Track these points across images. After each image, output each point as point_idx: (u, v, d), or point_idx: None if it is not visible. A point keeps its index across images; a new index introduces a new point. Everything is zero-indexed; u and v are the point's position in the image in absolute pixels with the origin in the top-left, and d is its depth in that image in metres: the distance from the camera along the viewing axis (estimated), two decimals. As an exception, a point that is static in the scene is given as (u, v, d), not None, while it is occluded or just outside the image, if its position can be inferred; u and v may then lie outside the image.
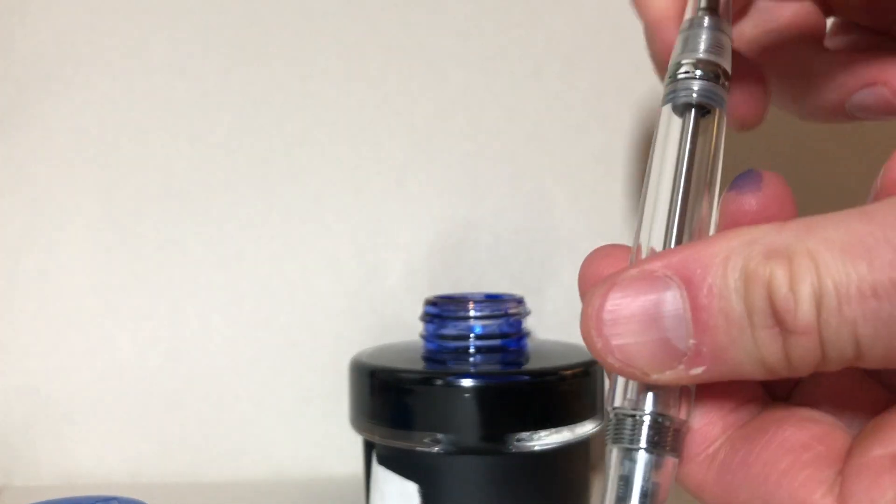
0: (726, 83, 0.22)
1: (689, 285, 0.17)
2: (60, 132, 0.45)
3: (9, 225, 0.45)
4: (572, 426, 0.37)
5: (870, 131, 0.44)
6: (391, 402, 0.37)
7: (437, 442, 0.35)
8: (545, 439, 0.36)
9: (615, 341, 0.18)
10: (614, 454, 0.20)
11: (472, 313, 0.39)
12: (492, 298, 0.40)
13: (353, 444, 0.41)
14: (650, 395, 0.20)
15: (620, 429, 0.20)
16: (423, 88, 0.46)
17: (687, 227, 0.20)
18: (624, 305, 0.18)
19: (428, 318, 0.39)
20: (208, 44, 0.45)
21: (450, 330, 0.39)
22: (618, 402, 0.20)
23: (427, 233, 0.46)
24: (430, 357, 0.39)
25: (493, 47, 0.46)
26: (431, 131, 0.46)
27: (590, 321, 0.18)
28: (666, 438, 0.20)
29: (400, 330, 0.45)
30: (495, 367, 0.38)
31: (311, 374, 0.46)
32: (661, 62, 0.26)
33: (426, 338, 0.40)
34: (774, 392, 0.22)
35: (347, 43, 0.46)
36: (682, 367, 0.18)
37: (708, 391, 0.20)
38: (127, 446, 0.46)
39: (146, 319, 0.45)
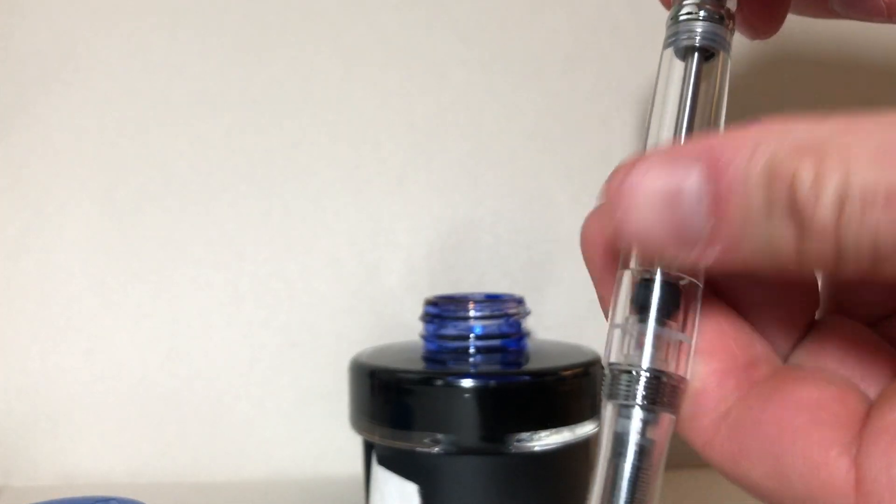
0: (732, 24, 0.21)
1: (714, 170, 0.17)
2: (60, 132, 0.45)
3: (9, 225, 0.45)
4: (572, 426, 0.37)
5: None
6: (391, 403, 0.37)
7: (437, 442, 0.35)
8: (545, 439, 0.36)
9: (634, 219, 0.18)
10: (609, 410, 0.20)
11: (472, 313, 0.39)
12: (492, 298, 0.40)
13: (353, 444, 0.41)
14: (648, 351, 0.19)
15: (616, 384, 0.20)
16: (423, 88, 0.46)
17: None
18: (647, 184, 0.18)
19: (428, 318, 0.39)
20: (208, 44, 0.45)
21: (450, 330, 0.39)
22: (614, 358, 0.20)
23: (427, 233, 0.46)
24: (430, 357, 0.39)
25: (493, 47, 0.46)
26: (431, 131, 0.46)
27: (611, 197, 0.18)
28: (663, 395, 0.19)
29: (400, 330, 0.45)
30: (495, 368, 0.38)
31: (311, 374, 0.46)
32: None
33: (426, 338, 0.39)
34: (783, 348, 0.21)
35: (347, 43, 0.46)
36: (696, 250, 0.18)
37: (717, 348, 0.20)
38: (126, 446, 0.45)
39: (146, 319, 0.45)
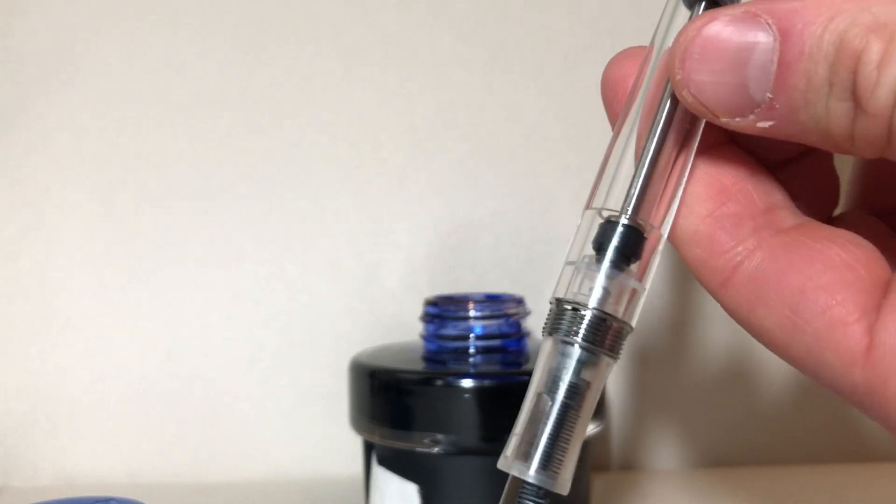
0: None
1: (785, 38, 0.17)
2: (60, 132, 0.45)
3: (8, 225, 0.45)
4: (572, 426, 0.36)
5: None
6: (391, 403, 0.37)
7: (437, 442, 0.35)
8: (545, 439, 0.36)
9: (696, 76, 0.18)
10: (549, 344, 0.19)
11: (472, 313, 0.39)
12: (492, 298, 0.40)
13: (353, 444, 0.41)
14: (598, 291, 0.19)
15: (559, 320, 0.19)
16: (423, 88, 0.46)
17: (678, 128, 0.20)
18: (716, 42, 0.17)
19: (428, 318, 0.39)
20: (207, 44, 0.45)
21: (450, 330, 0.39)
22: (561, 293, 0.20)
23: (427, 233, 0.46)
24: (430, 357, 0.39)
25: (493, 47, 0.46)
26: (431, 131, 0.46)
27: (678, 49, 0.18)
28: (605, 337, 0.19)
29: (400, 330, 0.45)
30: (495, 368, 0.38)
31: (311, 374, 0.46)
32: None
33: (426, 338, 0.39)
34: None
35: (347, 43, 0.46)
36: (752, 116, 0.18)
37: (738, 191, 0.20)
38: (126, 446, 0.45)
39: (146, 319, 0.45)
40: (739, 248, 0.19)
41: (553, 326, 0.20)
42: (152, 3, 0.45)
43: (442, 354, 0.39)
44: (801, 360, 0.18)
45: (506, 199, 0.46)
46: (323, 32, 0.46)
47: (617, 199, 0.20)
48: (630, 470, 0.47)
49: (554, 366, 0.19)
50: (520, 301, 0.40)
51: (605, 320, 0.19)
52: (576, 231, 0.20)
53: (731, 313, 0.20)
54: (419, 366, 0.38)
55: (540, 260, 0.46)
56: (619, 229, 0.20)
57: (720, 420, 0.47)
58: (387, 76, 0.46)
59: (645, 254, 0.20)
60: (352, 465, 0.44)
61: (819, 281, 0.18)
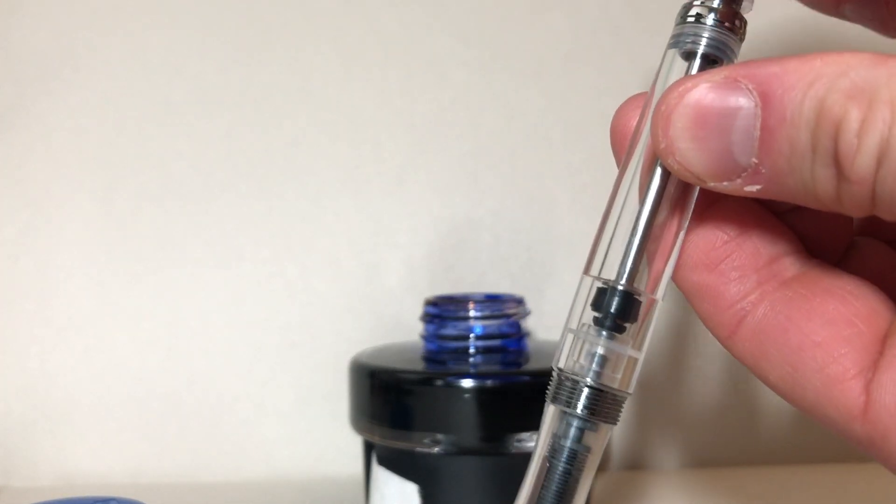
0: (742, 32, 0.20)
1: (766, 104, 0.17)
2: (59, 132, 0.45)
3: (8, 225, 0.45)
4: (572, 426, 0.36)
5: None
6: (391, 403, 0.37)
7: (437, 442, 0.35)
8: (545, 439, 0.36)
9: (679, 143, 0.18)
10: (551, 411, 0.20)
11: (472, 313, 0.39)
12: (492, 298, 0.40)
13: (353, 444, 0.41)
14: (594, 364, 0.20)
15: (560, 389, 0.20)
16: (423, 88, 0.46)
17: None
18: (698, 109, 0.17)
19: (428, 318, 0.39)
20: (207, 43, 0.45)
21: (450, 330, 0.39)
22: (563, 363, 0.20)
23: (427, 233, 0.46)
24: (430, 357, 0.39)
25: (493, 47, 0.46)
26: (431, 131, 0.46)
27: (660, 119, 0.18)
28: (604, 407, 0.20)
29: (400, 330, 0.45)
30: (495, 368, 0.38)
31: (311, 374, 0.46)
32: None
33: (426, 338, 0.39)
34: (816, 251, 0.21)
35: (347, 43, 0.46)
36: (739, 181, 0.18)
37: (742, 243, 0.20)
38: (126, 446, 0.45)
39: (146, 319, 0.45)
40: (744, 303, 0.20)
41: (555, 395, 0.20)
42: (152, 3, 0.45)
43: (442, 354, 0.39)
44: (806, 411, 0.19)
45: (506, 199, 0.46)
46: (323, 32, 0.46)
47: (613, 264, 0.20)
48: (630, 470, 0.47)
49: (556, 432, 0.20)
50: (520, 301, 0.40)
51: (603, 391, 0.20)
52: (575, 296, 0.21)
53: (741, 362, 0.20)
54: (419, 366, 0.38)
55: (540, 260, 0.46)
56: (616, 297, 0.20)
57: (720, 420, 0.47)
58: (387, 76, 0.46)
59: (640, 319, 0.20)
60: (352, 465, 0.44)
61: (816, 337, 0.18)
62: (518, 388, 0.36)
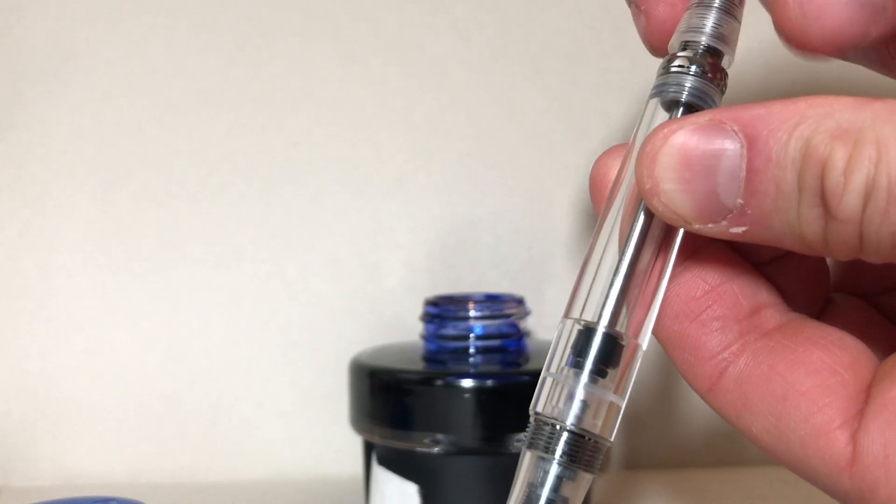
0: (724, 83, 0.21)
1: (752, 145, 0.17)
2: (59, 131, 0.45)
3: (8, 225, 0.45)
4: (572, 426, 0.36)
5: None
6: (391, 403, 0.37)
7: (437, 442, 0.35)
8: (545, 439, 0.36)
9: (664, 185, 0.18)
10: (528, 458, 0.19)
11: (472, 313, 0.39)
12: (492, 298, 0.40)
13: (353, 444, 0.41)
14: (575, 408, 0.19)
15: (538, 434, 0.19)
16: (423, 88, 0.46)
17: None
18: (683, 151, 0.17)
19: (428, 318, 0.39)
20: (208, 43, 0.45)
21: (450, 330, 0.39)
22: (541, 407, 0.20)
23: (427, 233, 0.46)
24: (430, 357, 0.39)
25: (493, 47, 0.46)
26: (431, 131, 0.46)
27: (645, 160, 0.18)
28: (583, 454, 0.19)
29: (400, 330, 0.45)
30: (495, 368, 0.38)
31: (311, 374, 0.46)
32: (653, 45, 0.23)
33: (426, 338, 0.39)
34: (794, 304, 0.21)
35: (347, 43, 0.46)
36: (724, 223, 0.18)
37: (724, 293, 0.20)
38: (126, 446, 0.45)
39: (146, 319, 0.45)
40: (725, 353, 0.19)
41: (532, 441, 0.20)
42: (152, 2, 0.45)
43: (442, 354, 0.39)
44: (791, 465, 0.19)
45: (506, 199, 0.46)
46: (323, 32, 0.46)
47: (595, 307, 0.20)
48: (630, 470, 0.47)
49: (532, 481, 0.19)
50: (520, 301, 0.40)
51: (583, 437, 0.19)
52: (555, 340, 0.20)
53: (721, 416, 0.20)
54: (419, 366, 0.38)
55: (540, 260, 0.46)
56: (597, 341, 0.19)
57: (720, 420, 0.47)
58: (387, 76, 0.46)
59: (623, 364, 0.20)
60: (352, 465, 0.44)
61: (801, 387, 0.18)
62: (518, 388, 0.36)
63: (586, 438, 0.19)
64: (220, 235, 0.45)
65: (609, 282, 0.20)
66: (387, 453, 0.37)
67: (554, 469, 0.19)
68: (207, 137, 0.45)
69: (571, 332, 0.20)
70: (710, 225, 0.18)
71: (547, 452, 0.19)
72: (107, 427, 0.45)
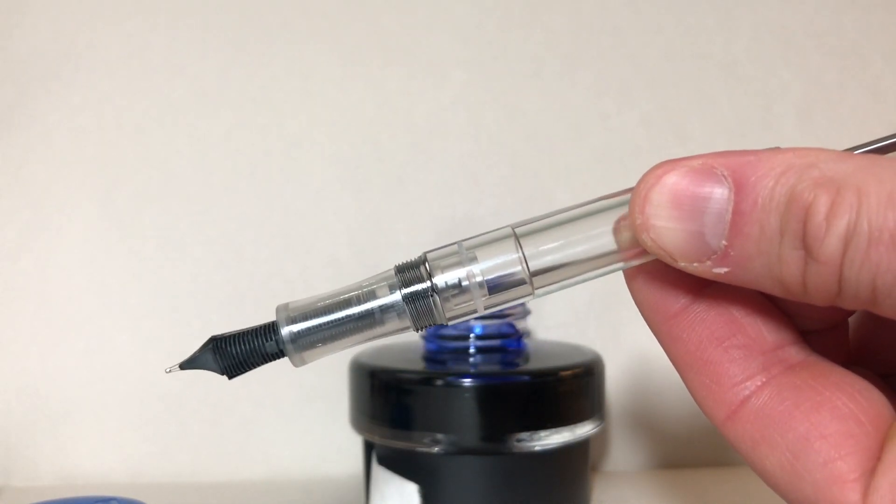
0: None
1: (740, 189, 0.18)
2: (60, 132, 0.45)
3: (8, 225, 0.45)
4: (572, 426, 0.37)
5: None
6: (391, 403, 0.37)
7: (437, 442, 0.35)
8: (545, 439, 0.36)
9: (654, 221, 0.19)
10: (394, 276, 0.22)
11: (472, 313, 0.38)
12: (492, 298, 0.40)
13: (353, 444, 0.41)
14: (447, 277, 0.21)
15: (414, 269, 0.22)
16: (423, 88, 0.46)
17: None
18: (674, 192, 0.18)
19: (428, 318, 0.39)
20: (208, 44, 0.45)
21: (450, 330, 0.39)
22: (434, 255, 0.22)
23: (427, 233, 0.46)
24: (430, 357, 0.39)
25: (493, 47, 0.46)
26: (431, 131, 0.46)
27: (639, 197, 0.19)
28: (419, 305, 0.21)
29: (400, 330, 0.45)
30: (495, 368, 0.38)
31: (311, 374, 0.46)
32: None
33: (426, 338, 0.40)
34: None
35: (347, 43, 0.46)
36: (708, 262, 0.18)
37: (749, 325, 0.20)
38: (126, 446, 0.45)
39: (146, 319, 0.45)
40: (748, 383, 0.20)
41: (401, 270, 0.22)
42: (152, 3, 0.45)
43: (442, 354, 0.39)
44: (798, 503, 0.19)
45: (506, 199, 0.46)
46: (323, 32, 0.46)
47: (539, 237, 0.21)
48: (630, 470, 0.47)
49: (376, 292, 0.22)
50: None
51: (430, 297, 0.21)
52: (492, 231, 0.22)
53: (735, 447, 0.20)
54: (419, 366, 0.38)
55: (540, 260, 0.46)
56: (504, 260, 0.21)
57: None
58: (387, 76, 0.46)
59: (505, 294, 0.21)
60: (352, 465, 0.44)
61: (824, 430, 0.18)
62: (518, 388, 0.36)
63: (430, 297, 0.21)
64: (220, 235, 0.45)
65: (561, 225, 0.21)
66: (387, 453, 0.37)
67: (396, 296, 0.22)
68: (207, 137, 0.45)
69: (503, 234, 0.21)
70: (694, 264, 0.19)
71: (401, 287, 0.22)
72: (107, 427, 0.45)
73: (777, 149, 0.18)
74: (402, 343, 0.42)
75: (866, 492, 0.17)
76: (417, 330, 0.22)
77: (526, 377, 0.36)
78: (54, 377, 0.45)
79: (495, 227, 0.22)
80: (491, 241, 0.21)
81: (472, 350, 0.38)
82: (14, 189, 0.45)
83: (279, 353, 0.22)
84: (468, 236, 0.22)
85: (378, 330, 0.22)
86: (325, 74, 0.46)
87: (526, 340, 0.40)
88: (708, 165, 0.18)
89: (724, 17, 0.46)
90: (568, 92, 0.46)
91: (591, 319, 0.46)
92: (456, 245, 0.22)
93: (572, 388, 0.37)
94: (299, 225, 0.46)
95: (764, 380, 0.20)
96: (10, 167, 0.45)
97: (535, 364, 0.38)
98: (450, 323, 0.22)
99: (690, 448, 0.47)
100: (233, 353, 0.23)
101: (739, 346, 0.20)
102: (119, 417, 0.45)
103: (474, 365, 0.38)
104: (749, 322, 0.20)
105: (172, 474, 0.45)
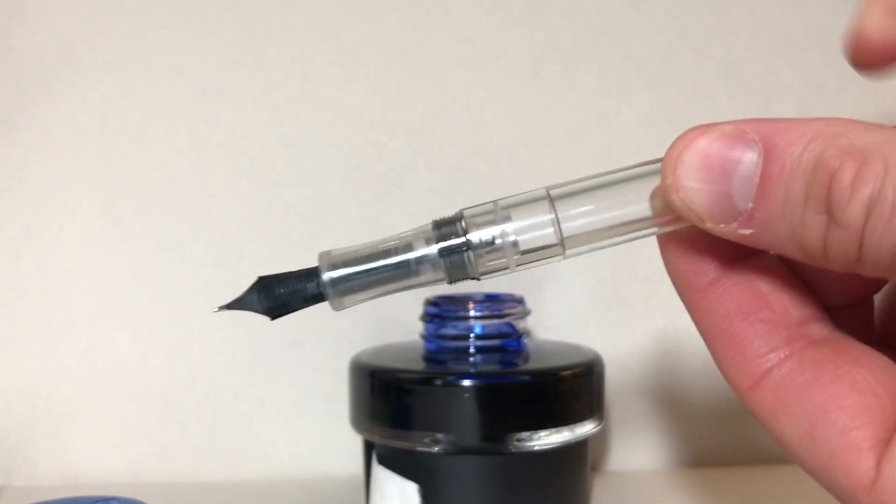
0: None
1: (769, 154, 0.18)
2: (60, 132, 0.45)
3: (9, 225, 0.45)
4: (572, 426, 0.37)
5: None
6: (391, 402, 0.37)
7: (437, 442, 0.35)
8: (545, 439, 0.36)
9: (685, 182, 0.19)
10: (430, 230, 0.22)
11: (472, 313, 0.39)
12: (492, 298, 0.40)
13: (353, 444, 0.41)
14: (482, 234, 0.22)
15: (451, 224, 0.22)
16: (423, 88, 0.46)
17: None
18: (706, 154, 0.19)
19: (428, 318, 0.39)
20: (208, 44, 0.45)
21: (450, 330, 0.39)
22: (470, 213, 0.22)
23: (427, 233, 0.46)
24: (430, 357, 0.39)
25: (493, 47, 0.46)
26: (431, 131, 0.46)
27: (671, 158, 0.19)
28: (455, 259, 0.22)
29: (400, 330, 0.45)
30: (495, 367, 0.38)
31: (311, 374, 0.46)
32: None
33: (426, 338, 0.40)
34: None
35: (347, 43, 0.46)
36: (734, 224, 0.19)
37: (775, 300, 0.21)
38: (127, 446, 0.46)
39: (146, 319, 0.45)
40: (772, 356, 0.20)
41: (441, 224, 0.23)
42: (152, 3, 0.45)
43: (442, 354, 0.39)
44: (814, 472, 0.19)
45: (506, 199, 0.46)
46: (323, 32, 0.46)
47: (572, 201, 0.22)
48: (630, 470, 0.47)
49: (414, 243, 0.23)
50: (520, 301, 0.40)
51: (464, 251, 0.22)
52: (526, 192, 0.22)
53: (755, 416, 0.21)
54: (419, 366, 0.38)
55: (540, 260, 0.46)
56: (538, 222, 0.22)
57: (720, 420, 0.47)
58: (387, 76, 0.46)
59: (536, 254, 0.22)
60: (352, 464, 0.44)
61: (843, 401, 0.19)
62: (518, 387, 0.36)
63: (465, 253, 0.22)
64: (220, 235, 0.45)
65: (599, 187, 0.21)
66: (387, 453, 0.37)
67: (433, 248, 0.22)
68: (207, 137, 0.45)
69: (538, 195, 0.22)
70: (721, 225, 0.19)
71: (437, 241, 0.22)
72: (107, 427, 0.45)
73: (809, 118, 0.18)
74: (402, 343, 0.42)
75: (881, 460, 0.18)
76: (450, 282, 0.22)
77: (526, 377, 0.36)
78: (54, 377, 0.45)
79: (530, 189, 0.22)
80: (526, 201, 0.22)
81: (472, 350, 0.38)
82: (14, 189, 0.45)
83: (319, 296, 0.24)
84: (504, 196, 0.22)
85: (413, 280, 0.23)
86: (325, 74, 0.46)
87: (526, 340, 0.40)
88: (740, 130, 0.19)
89: (724, 17, 0.46)
90: (568, 92, 0.46)
91: (591, 319, 0.46)
92: (491, 203, 0.22)
93: (572, 387, 0.37)
94: (299, 225, 0.46)
95: (787, 353, 0.20)
96: (10, 167, 0.45)
97: (534, 364, 0.38)
98: (481, 279, 0.22)
99: (690, 448, 0.47)
100: (277, 294, 0.25)
101: (765, 320, 0.20)
102: (119, 417, 0.45)
103: (474, 365, 0.38)
104: (775, 297, 0.21)
105: (172, 474, 0.45)
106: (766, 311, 0.21)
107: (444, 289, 0.45)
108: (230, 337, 0.46)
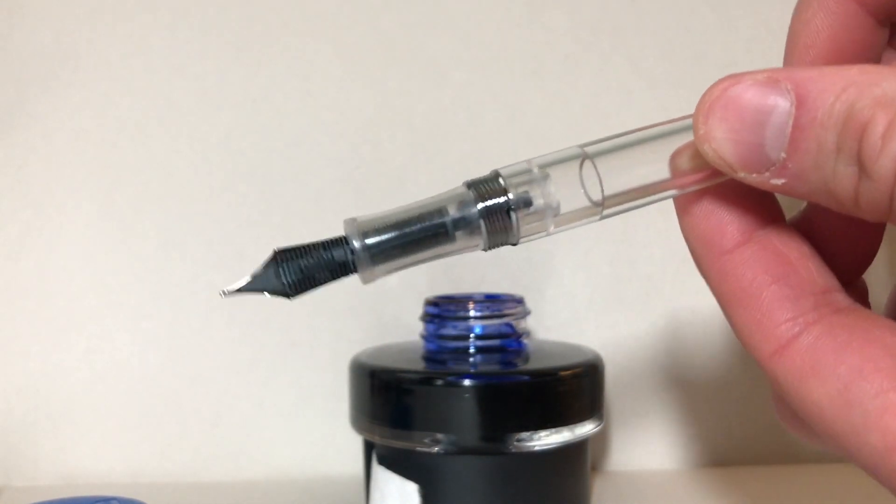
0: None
1: (801, 104, 0.18)
2: (60, 132, 0.45)
3: (9, 225, 0.45)
4: (572, 426, 0.37)
5: None
6: (391, 402, 0.37)
7: (437, 442, 0.35)
8: (545, 439, 0.36)
9: (717, 133, 0.19)
10: (471, 193, 0.22)
11: (472, 313, 0.39)
12: (492, 298, 0.40)
13: (353, 444, 0.41)
14: (518, 193, 0.21)
15: (489, 184, 0.22)
16: (423, 88, 0.46)
17: None
18: (739, 103, 0.19)
19: (428, 318, 0.39)
20: (208, 44, 0.45)
21: (450, 330, 0.39)
22: (507, 171, 0.22)
23: (427, 233, 0.46)
24: (430, 357, 0.39)
25: (493, 47, 0.46)
26: (431, 131, 0.46)
27: (703, 106, 0.19)
28: (495, 218, 0.21)
29: (400, 330, 0.45)
30: (495, 368, 0.38)
31: (311, 374, 0.46)
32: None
33: (426, 338, 0.40)
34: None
35: (347, 43, 0.46)
36: (767, 174, 0.19)
37: (801, 267, 0.21)
38: (127, 446, 0.46)
39: (146, 319, 0.45)
40: (800, 319, 0.20)
41: (479, 184, 0.22)
42: (152, 2, 0.45)
43: (442, 354, 0.39)
44: (843, 436, 0.19)
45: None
46: (323, 32, 0.46)
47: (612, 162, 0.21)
48: (630, 470, 0.47)
49: (451, 201, 0.22)
50: (520, 301, 0.40)
51: (505, 210, 0.21)
52: (562, 150, 0.22)
53: (780, 382, 0.20)
54: (419, 366, 0.38)
55: (540, 260, 0.46)
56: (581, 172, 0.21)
57: (720, 420, 0.47)
58: (387, 76, 0.46)
59: (571, 215, 0.22)
60: (352, 465, 0.44)
61: (879, 363, 0.19)
62: (518, 387, 0.36)
63: (510, 214, 0.21)
64: (220, 235, 0.45)
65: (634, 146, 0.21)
66: (387, 453, 0.37)
67: (473, 209, 0.22)
68: (207, 137, 0.45)
69: (573, 154, 0.22)
70: (753, 175, 0.19)
71: (476, 201, 0.22)
72: (107, 427, 0.45)
73: (843, 65, 0.18)
74: (402, 343, 0.42)
75: None
76: (488, 248, 0.21)
77: (526, 377, 0.36)
78: (54, 377, 0.45)
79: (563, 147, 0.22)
80: (561, 159, 0.22)
81: (471, 350, 0.38)
82: (15, 189, 0.45)
83: (347, 267, 0.23)
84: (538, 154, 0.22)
85: (448, 247, 0.22)
86: (325, 74, 0.46)
87: (526, 340, 0.40)
88: (773, 78, 0.18)
89: (724, 17, 0.46)
90: (568, 92, 0.46)
91: (591, 319, 0.46)
92: (525, 162, 0.22)
93: (572, 387, 0.37)
94: (299, 225, 0.46)
95: (815, 317, 0.20)
96: (10, 167, 0.45)
97: (534, 364, 0.38)
98: (520, 242, 0.21)
99: (691, 448, 0.47)
100: (299, 267, 0.23)
101: (792, 285, 0.20)
102: (119, 417, 0.45)
103: (474, 365, 0.38)
104: (802, 264, 0.21)
105: (172, 474, 0.45)
106: (793, 276, 0.20)
107: (444, 289, 0.45)
108: (230, 337, 0.46)
